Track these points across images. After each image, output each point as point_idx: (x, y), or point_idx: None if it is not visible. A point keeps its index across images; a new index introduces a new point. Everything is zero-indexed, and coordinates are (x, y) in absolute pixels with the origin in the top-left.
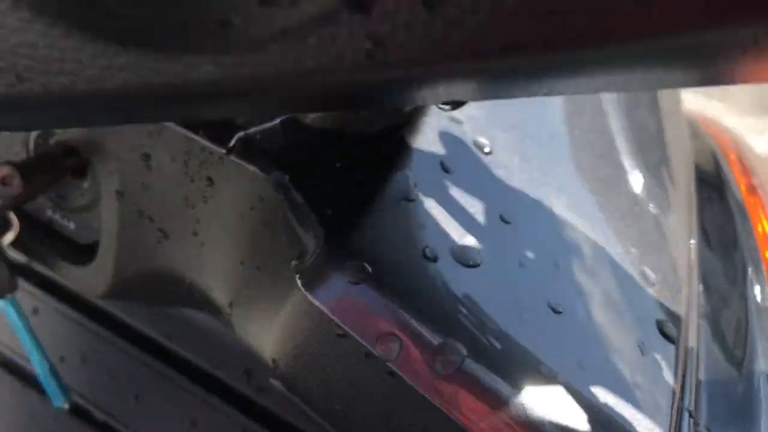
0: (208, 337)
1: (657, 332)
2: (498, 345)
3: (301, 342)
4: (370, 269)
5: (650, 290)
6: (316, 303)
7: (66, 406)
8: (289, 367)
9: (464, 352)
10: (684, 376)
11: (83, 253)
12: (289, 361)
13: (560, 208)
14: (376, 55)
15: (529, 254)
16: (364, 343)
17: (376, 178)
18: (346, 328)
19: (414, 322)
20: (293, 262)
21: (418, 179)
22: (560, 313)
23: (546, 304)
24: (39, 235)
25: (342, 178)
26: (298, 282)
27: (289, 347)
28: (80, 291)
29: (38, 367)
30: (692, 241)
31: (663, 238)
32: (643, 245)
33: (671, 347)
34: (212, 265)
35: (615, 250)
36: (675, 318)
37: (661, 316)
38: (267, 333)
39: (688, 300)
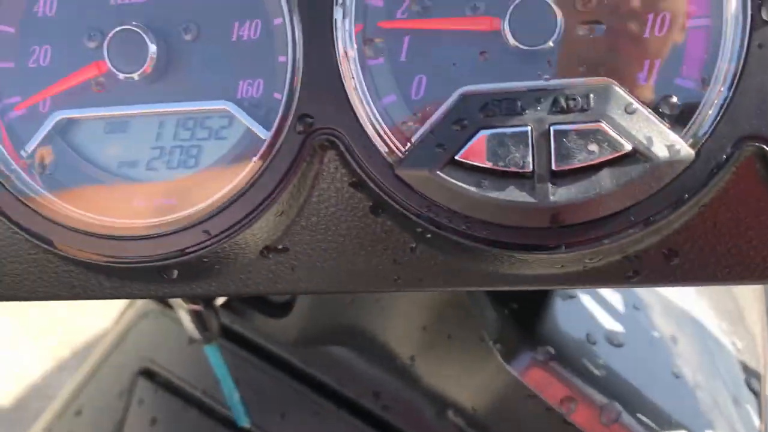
0: (340, 364)
1: (746, 388)
2: (641, 402)
3: (498, 398)
4: (553, 351)
5: (738, 355)
6: (515, 373)
7: (248, 426)
8: (486, 415)
9: (620, 408)
10: (766, 419)
11: (279, 309)
12: (487, 411)
13: (672, 295)
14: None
15: (655, 333)
16: (550, 403)
17: None
18: (536, 392)
19: (585, 388)
20: (491, 342)
21: None
22: (679, 377)
23: (669, 371)
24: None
25: None
26: (499, 357)
27: (487, 401)
28: (268, 339)
29: (229, 394)
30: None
31: (742, 311)
32: (730, 319)
33: (755, 398)
34: (391, 326)
35: (712, 325)
36: (756, 375)
37: (747, 375)
38: (459, 386)
39: (764, 358)
